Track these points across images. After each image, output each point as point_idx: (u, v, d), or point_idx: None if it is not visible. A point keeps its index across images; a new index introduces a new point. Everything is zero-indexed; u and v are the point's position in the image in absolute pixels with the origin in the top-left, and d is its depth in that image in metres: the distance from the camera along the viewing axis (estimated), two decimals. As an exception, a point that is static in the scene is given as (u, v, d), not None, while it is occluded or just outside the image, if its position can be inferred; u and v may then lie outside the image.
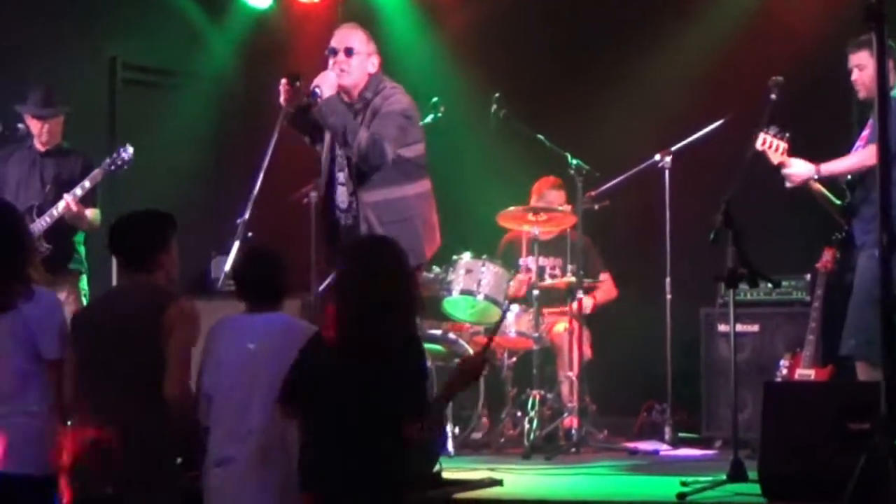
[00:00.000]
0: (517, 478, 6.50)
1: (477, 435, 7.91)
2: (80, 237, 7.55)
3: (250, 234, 6.43)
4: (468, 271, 7.78)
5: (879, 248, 4.71)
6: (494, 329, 6.23)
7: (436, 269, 7.89)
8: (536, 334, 7.90)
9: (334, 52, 6.35)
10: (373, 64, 6.37)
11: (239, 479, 4.81)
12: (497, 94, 8.06)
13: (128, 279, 5.07)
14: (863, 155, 6.50)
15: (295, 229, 8.14)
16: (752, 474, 5.70)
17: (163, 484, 4.82)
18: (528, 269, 8.14)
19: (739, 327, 7.26)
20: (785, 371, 7.44)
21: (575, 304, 7.95)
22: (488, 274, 7.94)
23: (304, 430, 4.58)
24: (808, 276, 7.83)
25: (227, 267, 5.76)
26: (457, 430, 7.57)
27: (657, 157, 7.98)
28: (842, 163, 6.66)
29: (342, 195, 6.38)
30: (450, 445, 6.55)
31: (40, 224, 7.23)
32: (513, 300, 8.03)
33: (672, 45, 8.97)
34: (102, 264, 7.75)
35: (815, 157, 6.72)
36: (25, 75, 7.88)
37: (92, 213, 7.42)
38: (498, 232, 8.55)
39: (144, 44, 9.25)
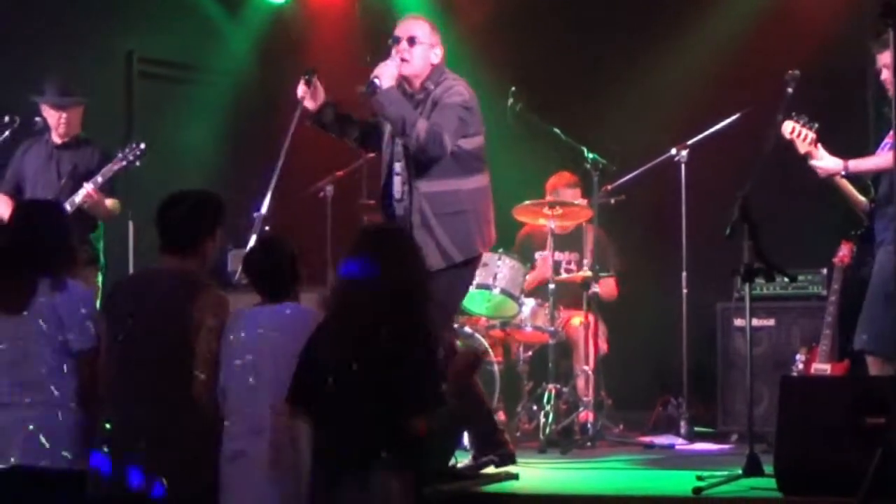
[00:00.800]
0: (533, 472, 6.49)
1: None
2: (98, 233, 7.51)
3: (267, 227, 6.48)
4: (484, 265, 7.73)
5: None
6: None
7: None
8: (552, 328, 7.90)
9: (397, 40, 6.26)
10: (436, 55, 6.29)
11: (251, 474, 4.78)
12: (513, 89, 8.06)
13: (160, 262, 5.02)
14: (891, 156, 6.49)
15: (312, 223, 8.20)
16: (768, 468, 5.69)
17: (196, 474, 4.82)
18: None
19: (756, 322, 7.26)
20: (801, 365, 7.43)
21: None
22: (504, 268, 7.95)
23: (315, 425, 4.60)
24: (825, 271, 7.82)
25: (244, 260, 5.75)
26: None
27: (673, 150, 7.97)
28: (870, 161, 6.64)
29: (397, 185, 6.29)
30: (465, 439, 6.54)
31: None
32: (528, 294, 8.05)
33: (689, 38, 8.97)
34: (119, 260, 7.82)
35: (831, 152, 6.70)
36: (43, 70, 7.88)
37: (112, 203, 7.39)
38: (514, 226, 8.54)
39: (161, 38, 9.28)
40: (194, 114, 9.34)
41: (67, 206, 7.07)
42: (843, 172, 6.61)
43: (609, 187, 8.11)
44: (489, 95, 8.44)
